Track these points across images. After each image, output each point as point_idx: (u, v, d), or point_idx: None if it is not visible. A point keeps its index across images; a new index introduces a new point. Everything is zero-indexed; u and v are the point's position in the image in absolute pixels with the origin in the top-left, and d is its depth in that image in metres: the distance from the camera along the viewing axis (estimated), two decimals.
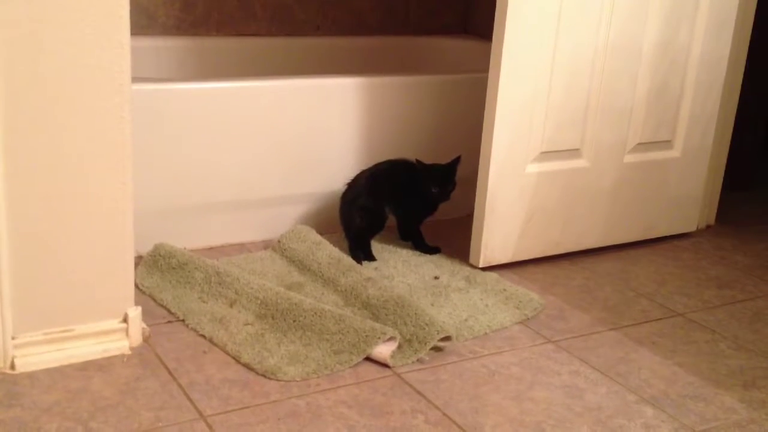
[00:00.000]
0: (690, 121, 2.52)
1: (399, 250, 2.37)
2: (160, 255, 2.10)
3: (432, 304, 2.03)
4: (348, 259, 2.18)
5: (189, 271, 2.04)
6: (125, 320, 1.75)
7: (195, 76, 2.80)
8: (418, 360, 1.79)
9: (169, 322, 1.89)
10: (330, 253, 2.20)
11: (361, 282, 2.05)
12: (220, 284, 2.00)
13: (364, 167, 2.44)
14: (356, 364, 1.76)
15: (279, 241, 2.30)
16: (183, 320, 1.89)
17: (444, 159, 2.58)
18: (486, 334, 1.94)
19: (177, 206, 2.24)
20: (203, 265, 2.05)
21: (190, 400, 1.60)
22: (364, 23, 3.18)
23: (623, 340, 1.97)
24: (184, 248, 2.14)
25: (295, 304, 1.88)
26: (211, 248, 2.30)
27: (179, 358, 1.74)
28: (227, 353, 1.77)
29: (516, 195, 2.27)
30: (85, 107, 1.59)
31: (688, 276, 2.39)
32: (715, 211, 2.81)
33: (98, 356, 1.71)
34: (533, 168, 2.28)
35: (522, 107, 2.20)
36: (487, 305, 2.06)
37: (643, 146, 2.47)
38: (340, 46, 3.11)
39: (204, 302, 1.96)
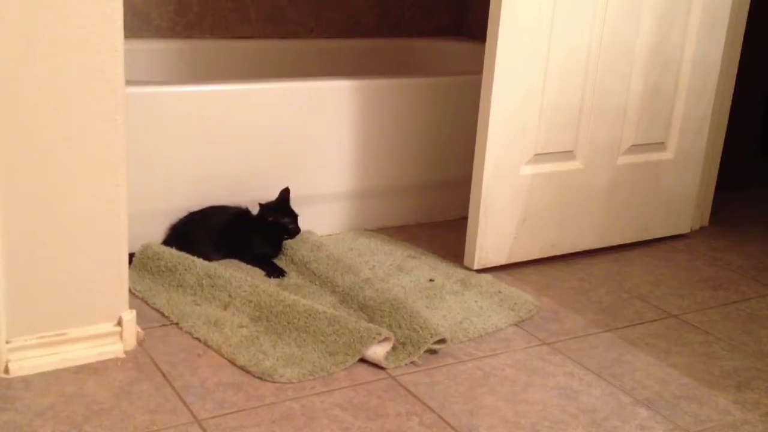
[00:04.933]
0: (683, 122, 2.53)
1: (395, 252, 2.37)
2: (148, 257, 2.10)
3: (427, 307, 2.03)
4: (346, 260, 2.18)
5: (180, 274, 2.04)
6: (120, 324, 1.74)
7: (189, 78, 2.80)
8: (412, 363, 1.79)
9: (163, 325, 1.89)
10: (329, 254, 2.20)
11: (358, 283, 2.05)
12: (212, 287, 2.00)
13: (359, 169, 2.45)
14: (351, 367, 1.76)
15: None
16: (177, 324, 1.89)
17: (440, 162, 2.59)
18: (481, 336, 1.94)
19: (172, 209, 2.24)
20: (193, 267, 2.05)
21: (185, 404, 1.60)
22: (357, 25, 3.18)
23: (618, 341, 1.98)
24: (171, 248, 2.13)
25: (289, 306, 1.88)
26: None
27: (174, 361, 1.74)
28: (222, 356, 1.77)
29: (510, 197, 2.27)
30: (78, 110, 1.59)
31: (682, 277, 2.39)
32: (709, 212, 2.82)
33: (92, 360, 1.71)
34: (527, 170, 2.28)
35: (516, 109, 2.20)
36: (481, 307, 2.06)
37: (637, 148, 2.47)
38: (334, 48, 3.11)
39: (198, 305, 1.96)
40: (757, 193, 3.23)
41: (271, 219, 2.23)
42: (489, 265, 2.30)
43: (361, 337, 1.77)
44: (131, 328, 1.76)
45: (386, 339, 1.80)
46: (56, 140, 1.59)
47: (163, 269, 2.06)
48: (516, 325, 2.01)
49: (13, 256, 1.61)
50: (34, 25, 1.52)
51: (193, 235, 2.20)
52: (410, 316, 1.87)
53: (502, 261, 2.32)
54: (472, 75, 2.41)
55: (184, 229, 2.23)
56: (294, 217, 2.25)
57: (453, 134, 2.57)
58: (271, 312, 1.89)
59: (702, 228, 2.80)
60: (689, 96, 2.51)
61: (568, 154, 2.35)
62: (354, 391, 1.68)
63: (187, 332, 1.86)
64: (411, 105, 2.51)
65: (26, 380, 1.63)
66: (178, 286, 2.03)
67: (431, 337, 1.82)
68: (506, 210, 2.28)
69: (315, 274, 2.15)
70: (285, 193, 2.26)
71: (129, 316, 1.75)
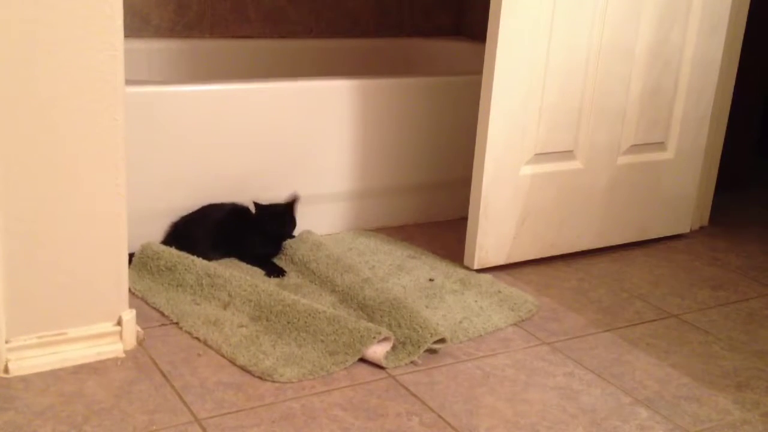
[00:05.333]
0: (683, 122, 2.53)
1: (394, 251, 2.37)
2: (147, 256, 2.10)
3: (427, 306, 2.03)
4: (347, 260, 2.18)
5: (180, 273, 2.04)
6: (119, 323, 1.74)
7: (188, 78, 2.80)
8: (411, 362, 1.79)
9: (163, 325, 1.89)
10: (329, 254, 2.20)
11: (358, 283, 2.05)
12: (212, 286, 2.00)
13: (358, 168, 2.45)
14: (351, 366, 1.75)
15: None
16: (177, 323, 1.89)
17: (440, 162, 2.59)
18: (481, 335, 1.94)
19: (172, 208, 2.23)
20: (193, 267, 2.05)
21: (185, 403, 1.60)
22: (357, 25, 3.18)
23: (617, 341, 1.98)
24: (171, 247, 2.13)
25: (289, 306, 1.88)
26: None
27: (173, 361, 1.74)
28: (222, 355, 1.77)
29: (510, 197, 2.27)
30: (78, 109, 1.59)
31: (681, 277, 2.39)
32: (709, 212, 2.82)
33: (92, 359, 1.71)
34: (527, 170, 2.28)
35: (516, 109, 2.20)
36: (481, 307, 2.06)
37: (637, 148, 2.47)
38: (334, 47, 3.11)
39: (197, 305, 1.96)
40: (756, 193, 3.23)
41: (268, 227, 2.22)
42: (489, 265, 2.30)
43: (361, 336, 1.77)
44: (131, 328, 1.76)
45: (386, 339, 1.80)
46: (56, 140, 1.59)
47: (163, 269, 2.06)
48: (516, 324, 2.01)
49: (12, 255, 1.61)
50: (33, 25, 1.52)
51: (192, 235, 2.20)
52: (410, 315, 1.87)
53: (502, 261, 2.32)
54: (472, 75, 2.41)
55: (183, 229, 2.23)
56: (290, 223, 2.24)
57: (453, 134, 2.57)
58: (271, 311, 1.89)
59: (702, 228, 2.80)
60: (689, 96, 2.51)
61: (568, 154, 2.35)
62: (354, 390, 1.68)
63: (186, 332, 1.86)
64: (411, 105, 2.51)
65: (26, 380, 1.63)
66: (177, 286, 2.03)
67: (431, 336, 1.82)
68: (506, 210, 2.28)
69: (315, 274, 2.15)
70: (292, 200, 2.25)
71: (129, 315, 1.75)
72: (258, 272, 2.16)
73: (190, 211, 2.24)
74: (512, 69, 2.15)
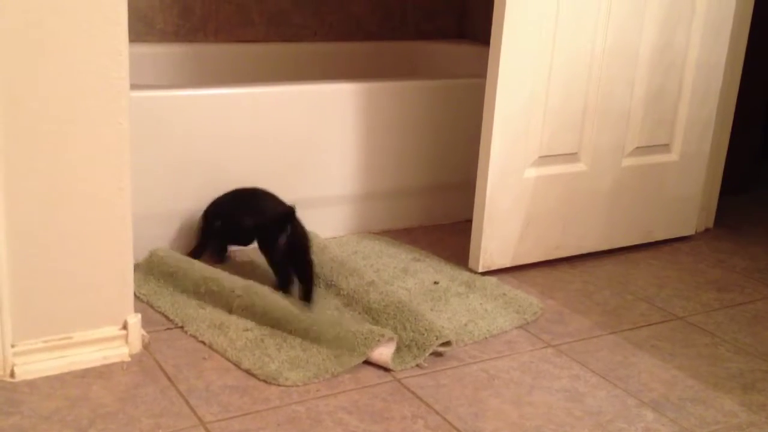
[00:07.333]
0: (687, 124, 2.53)
1: (399, 254, 2.37)
2: (154, 262, 2.10)
3: (432, 309, 2.03)
4: (351, 263, 2.18)
5: (184, 278, 2.04)
6: (125, 327, 1.74)
7: (193, 82, 2.81)
8: (417, 365, 1.79)
9: (168, 329, 1.89)
10: (333, 257, 2.20)
11: (363, 286, 2.05)
12: (217, 290, 2.00)
13: (362, 171, 2.45)
14: (356, 370, 1.75)
15: None
16: (182, 327, 1.89)
17: (444, 165, 2.59)
18: (486, 338, 1.94)
19: (176, 212, 2.24)
20: (197, 271, 2.05)
21: (190, 407, 1.60)
22: (361, 28, 3.18)
23: (623, 343, 1.97)
24: (179, 252, 2.14)
25: (293, 310, 1.88)
26: None
27: (179, 364, 1.74)
28: (227, 359, 1.77)
29: (514, 199, 2.27)
30: (83, 113, 1.59)
31: (687, 279, 2.39)
32: (714, 214, 2.81)
33: (98, 363, 1.71)
34: (531, 172, 2.28)
35: (520, 111, 2.20)
36: (486, 310, 2.06)
37: (641, 150, 2.47)
38: (338, 51, 3.11)
39: (202, 309, 1.96)
40: (761, 196, 3.23)
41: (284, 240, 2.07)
42: (493, 268, 2.30)
43: (365, 338, 1.77)
44: (136, 332, 1.77)
45: (391, 340, 1.80)
46: (61, 144, 1.59)
47: (168, 273, 2.07)
48: (521, 327, 2.01)
49: (17, 259, 1.61)
50: (39, 30, 1.52)
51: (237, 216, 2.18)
52: (415, 318, 1.87)
53: (507, 263, 2.32)
54: (475, 78, 2.41)
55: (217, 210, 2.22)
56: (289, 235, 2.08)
57: (457, 137, 2.57)
58: (275, 315, 1.89)
59: (707, 230, 2.79)
60: (693, 98, 2.51)
61: (572, 157, 2.35)
62: (359, 394, 1.68)
63: (192, 335, 1.86)
64: (414, 108, 2.51)
65: (32, 384, 1.63)
66: (183, 290, 2.03)
67: (436, 339, 1.82)
68: (510, 212, 2.28)
69: (319, 277, 2.14)
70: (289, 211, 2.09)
71: (134, 319, 1.76)
72: (262, 277, 2.16)
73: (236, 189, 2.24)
74: (516, 72, 2.15)
